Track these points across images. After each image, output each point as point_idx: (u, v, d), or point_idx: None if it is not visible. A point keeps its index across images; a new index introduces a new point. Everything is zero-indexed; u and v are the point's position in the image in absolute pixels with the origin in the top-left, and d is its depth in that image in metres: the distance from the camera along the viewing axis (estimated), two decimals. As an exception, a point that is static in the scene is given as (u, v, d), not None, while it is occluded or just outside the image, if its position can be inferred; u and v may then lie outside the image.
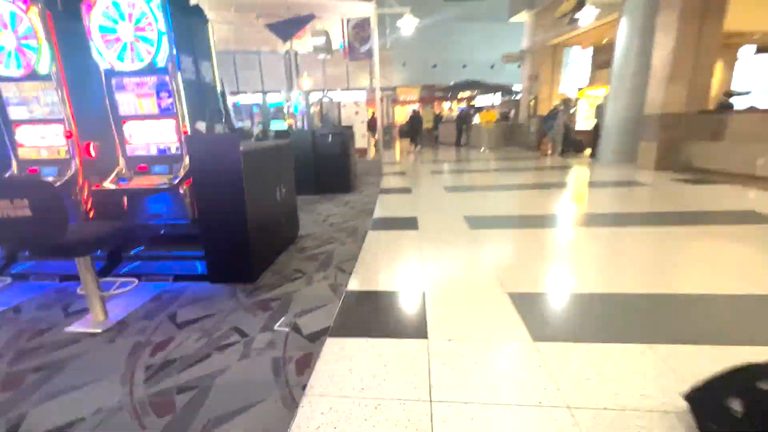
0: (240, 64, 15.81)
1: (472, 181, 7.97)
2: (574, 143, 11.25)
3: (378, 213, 5.06)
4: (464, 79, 22.65)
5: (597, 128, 10.19)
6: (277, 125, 6.79)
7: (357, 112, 12.75)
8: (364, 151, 13.05)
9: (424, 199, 5.85)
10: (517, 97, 23.18)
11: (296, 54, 11.12)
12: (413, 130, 16.52)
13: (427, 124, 21.48)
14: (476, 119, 20.29)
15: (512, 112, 24.38)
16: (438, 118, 21.95)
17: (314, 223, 4.72)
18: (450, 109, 35.04)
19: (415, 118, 20.70)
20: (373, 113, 17.05)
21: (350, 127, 7.44)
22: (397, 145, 19.71)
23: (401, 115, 34.72)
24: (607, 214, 4.81)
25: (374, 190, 6.73)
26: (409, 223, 4.47)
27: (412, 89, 33.89)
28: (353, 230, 4.30)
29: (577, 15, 8.67)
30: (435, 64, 33.30)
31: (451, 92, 27.83)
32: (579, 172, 8.33)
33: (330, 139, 6.16)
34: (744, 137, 6.96)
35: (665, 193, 5.85)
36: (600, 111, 10.13)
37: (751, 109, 8.30)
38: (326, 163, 6.34)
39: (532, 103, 13.36)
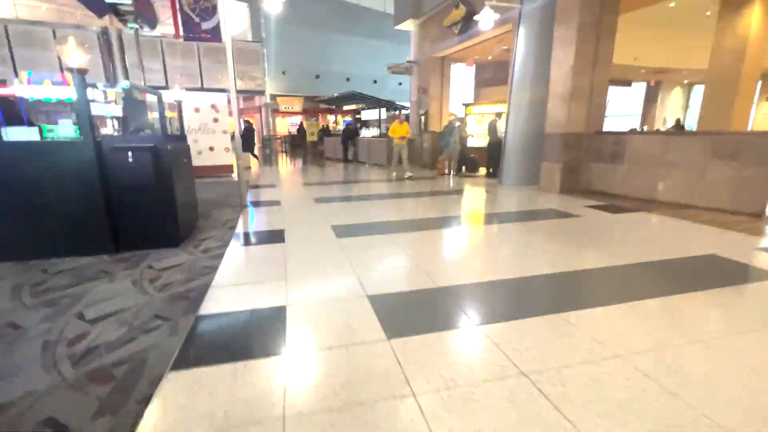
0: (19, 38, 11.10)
1: (372, 214, 5.99)
2: (468, 161, 10.45)
3: (211, 305, 2.64)
4: (349, 91, 21.30)
5: (491, 146, 9.49)
6: (63, 128, 3.80)
7: (216, 119, 9.89)
8: (228, 169, 10.22)
9: (306, 255, 3.66)
10: (404, 113, 22.74)
11: (119, 34, 7.86)
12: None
13: (311, 137, 19.30)
14: (363, 133, 18.93)
15: (399, 128, 23.92)
16: (324, 132, 19.99)
17: (38, 356, 2.05)
18: (335, 122, 33.49)
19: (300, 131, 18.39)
20: (249, 123, 14.22)
21: (183, 137, 4.88)
22: (281, 159, 17.04)
23: (283, 126, 31.83)
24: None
25: (225, 237, 4.29)
26: (266, 346, 2.20)
27: (294, 99, 31.32)
28: (132, 375, 1.85)
29: (477, 18, 7.62)
30: (318, 75, 31.44)
31: (335, 104, 26.33)
32: (488, 198, 7.18)
33: (131, 157, 3.52)
34: (643, 160, 6.62)
35: (596, 227, 4.82)
36: (492, 128, 9.45)
37: (655, 132, 8.33)
38: (129, 198, 3.66)
39: (423, 118, 12.36)
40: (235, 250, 3.85)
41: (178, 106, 7.28)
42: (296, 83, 31.01)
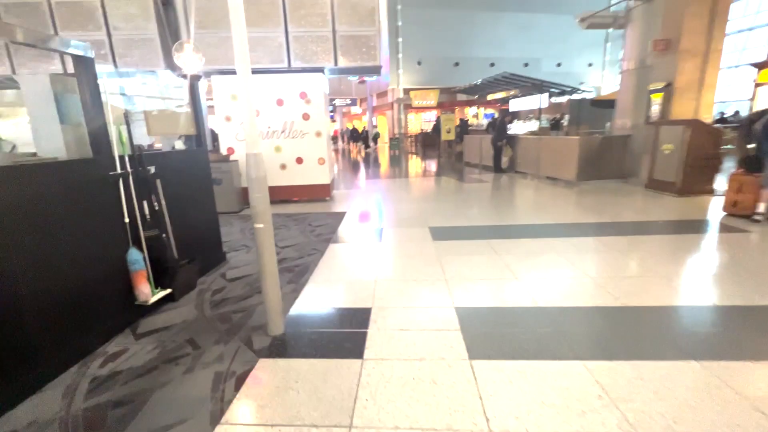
0: None
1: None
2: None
3: None
4: (499, 73, 16.17)
5: None
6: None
7: (307, 115, 6.33)
8: (322, 191, 6.63)
9: None
10: (581, 96, 16.30)
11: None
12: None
13: (446, 135, 14.86)
14: (513, 129, 13.65)
15: (564, 119, 17.48)
16: (463, 128, 15.33)
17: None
18: (475, 115, 28.16)
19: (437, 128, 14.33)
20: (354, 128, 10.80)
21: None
22: (407, 163, 13.21)
23: (416, 124, 28.26)
24: None
25: None
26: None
27: (429, 92, 27.33)
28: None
29: None
30: (457, 62, 26.73)
31: (478, 93, 21.37)
32: None
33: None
34: None
35: None
36: None
37: None
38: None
39: (657, 97, 6.59)
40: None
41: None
42: (432, 73, 26.97)
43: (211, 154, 5.93)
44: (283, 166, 6.48)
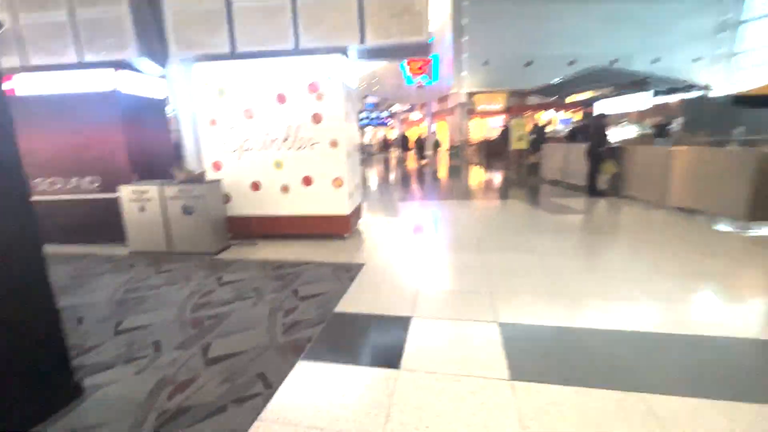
0: None
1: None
2: None
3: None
4: (588, 68, 13.07)
5: None
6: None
7: (318, 117, 4.36)
8: (341, 226, 4.60)
9: None
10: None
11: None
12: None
13: (517, 143, 12.15)
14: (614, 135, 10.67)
15: (675, 123, 13.74)
16: (538, 135, 12.47)
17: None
18: (549, 121, 24.61)
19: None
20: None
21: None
22: (467, 177, 10.73)
23: (480, 130, 25.42)
24: None
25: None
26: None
27: (495, 96, 24.43)
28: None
29: None
30: (529, 62, 23.56)
31: (557, 95, 18.12)
32: None
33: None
34: None
35: None
36: None
37: None
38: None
39: None
40: None
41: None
42: (500, 74, 24.06)
43: (178, 173, 4.19)
44: (285, 189, 4.57)
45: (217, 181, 4.34)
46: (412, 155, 17.87)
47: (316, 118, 4.35)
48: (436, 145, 15.72)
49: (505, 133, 14.43)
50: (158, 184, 4.12)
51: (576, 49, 23.23)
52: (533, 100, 23.84)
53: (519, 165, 12.69)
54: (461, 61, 23.60)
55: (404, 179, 11.78)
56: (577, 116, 22.12)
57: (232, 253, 4.28)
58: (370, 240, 4.65)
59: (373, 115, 16.86)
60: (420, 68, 24.34)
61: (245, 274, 3.56)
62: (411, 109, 28.26)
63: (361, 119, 18.64)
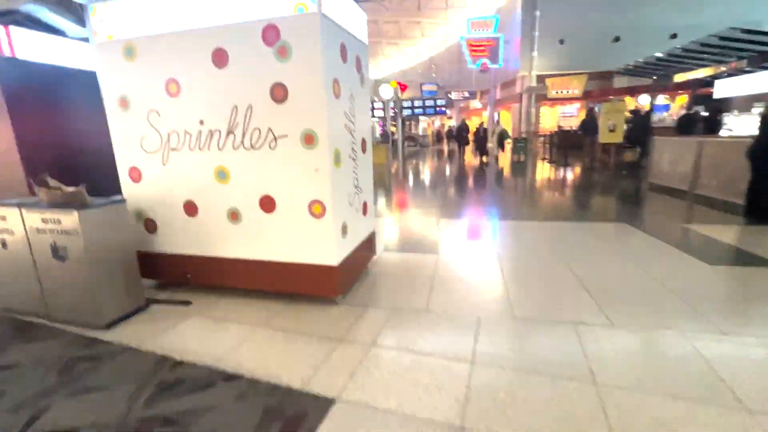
0: None
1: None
2: None
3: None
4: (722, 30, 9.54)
5: None
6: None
7: (280, 89, 2.37)
8: (324, 284, 2.64)
9: None
10: None
11: None
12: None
13: (608, 136, 9.17)
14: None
15: None
16: (641, 125, 9.30)
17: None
18: (638, 106, 20.34)
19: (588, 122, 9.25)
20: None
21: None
22: (532, 176, 7.99)
23: (551, 119, 21.80)
24: None
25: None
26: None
27: (571, 79, 20.74)
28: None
29: None
30: (618, 37, 19.58)
31: (656, 75, 14.14)
32: None
33: None
34: None
35: None
36: None
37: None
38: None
39: None
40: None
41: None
42: (579, 54, 20.34)
43: (44, 189, 2.46)
44: (234, 215, 2.67)
45: (117, 203, 2.55)
46: (470, 150, 15.13)
47: (278, 94, 2.36)
48: (502, 137, 12.97)
49: (588, 122, 11.34)
50: (17, 206, 2.44)
51: (679, 19, 18.93)
52: (620, 82, 19.73)
53: (608, 163, 9.69)
54: (532, 40, 20.17)
55: (458, 182, 9.45)
56: (680, 100, 17.80)
57: (139, 324, 2.50)
58: (378, 312, 2.60)
59: (428, 103, 14.70)
60: (482, 48, 21.36)
61: (96, 399, 1.74)
62: (471, 97, 25.34)
63: (416, 108, 16.47)
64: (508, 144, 13.00)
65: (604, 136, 9.15)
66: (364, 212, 3.15)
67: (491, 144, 13.48)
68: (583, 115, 13.70)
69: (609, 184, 7.67)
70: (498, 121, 15.01)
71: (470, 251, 3.84)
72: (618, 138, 8.96)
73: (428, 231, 4.62)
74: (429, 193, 7.75)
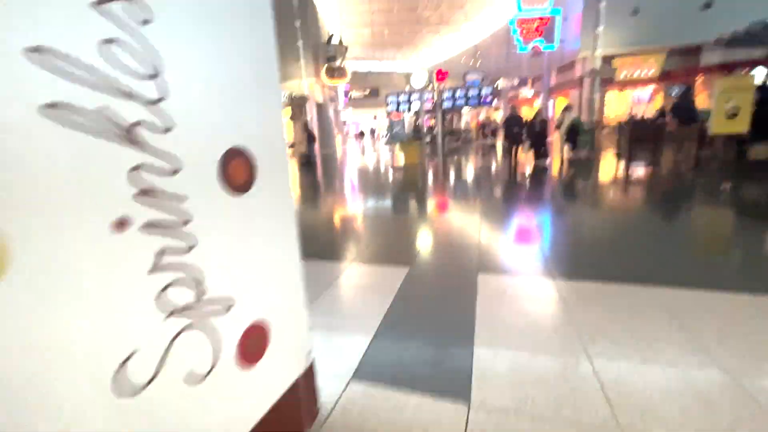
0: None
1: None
2: None
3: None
4: None
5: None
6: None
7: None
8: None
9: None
10: None
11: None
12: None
13: (727, 125, 6.61)
14: None
15: None
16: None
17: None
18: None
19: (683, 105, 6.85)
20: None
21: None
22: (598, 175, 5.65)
23: (621, 105, 18.52)
24: None
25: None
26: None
27: (646, 59, 17.50)
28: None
29: None
30: (709, 3, 16.09)
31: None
32: None
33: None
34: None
35: None
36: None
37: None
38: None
39: None
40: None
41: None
42: (656, 26, 16.96)
43: None
44: None
45: None
46: (524, 148, 10.95)
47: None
48: (575, 129, 9.82)
49: (683, 102, 8.65)
50: None
51: (793, -26, 14.98)
52: (712, 58, 16.10)
53: (724, 163, 7.09)
54: (597, 13, 17.12)
55: (506, 199, 7.14)
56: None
57: None
58: None
59: (471, 93, 12.65)
60: (536, 29, 18.64)
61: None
62: (521, 85, 22.59)
63: (457, 99, 14.46)
64: (583, 139, 9.96)
65: (719, 125, 6.63)
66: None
67: (553, 138, 10.92)
68: (660, 100, 10.83)
69: (720, 192, 5.26)
70: (570, 107, 11.69)
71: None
72: (742, 126, 6.40)
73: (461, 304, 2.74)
74: (474, 207, 5.80)
